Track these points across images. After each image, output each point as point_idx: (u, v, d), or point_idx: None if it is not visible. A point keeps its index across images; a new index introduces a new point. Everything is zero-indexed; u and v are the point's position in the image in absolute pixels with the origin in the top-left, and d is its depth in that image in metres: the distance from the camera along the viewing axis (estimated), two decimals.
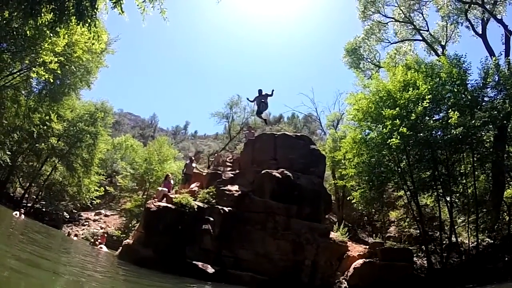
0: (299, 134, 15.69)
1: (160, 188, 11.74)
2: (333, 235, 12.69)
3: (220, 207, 10.22)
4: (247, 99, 17.75)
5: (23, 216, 16.23)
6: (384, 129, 12.99)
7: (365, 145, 14.37)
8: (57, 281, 4.55)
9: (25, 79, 17.96)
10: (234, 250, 9.90)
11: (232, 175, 11.90)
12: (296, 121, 62.54)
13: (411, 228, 16.75)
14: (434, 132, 13.38)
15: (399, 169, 13.99)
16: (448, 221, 13.57)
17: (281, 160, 12.21)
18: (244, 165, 12.80)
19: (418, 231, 14.97)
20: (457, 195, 13.66)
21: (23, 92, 19.29)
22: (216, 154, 16.36)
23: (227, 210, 10.17)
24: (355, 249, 14.53)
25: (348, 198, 16.80)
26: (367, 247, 14.39)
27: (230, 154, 17.40)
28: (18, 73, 17.18)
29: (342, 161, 16.37)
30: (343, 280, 12.45)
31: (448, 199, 13.46)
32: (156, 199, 10.80)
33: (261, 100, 14.29)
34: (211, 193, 10.57)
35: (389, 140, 12.58)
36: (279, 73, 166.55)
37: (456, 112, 12.11)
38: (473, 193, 13.15)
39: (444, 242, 13.77)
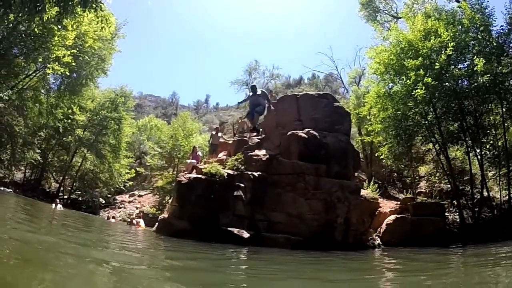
0: (321, 93, 15.39)
1: (188, 161, 11.91)
2: (363, 192, 12.59)
3: (249, 172, 10.27)
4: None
5: (61, 206, 16.97)
6: (408, 81, 12.71)
7: (389, 99, 14.12)
8: (106, 254, 4.75)
9: (42, 78, 18.30)
10: (267, 213, 10.00)
11: (258, 140, 11.89)
12: (317, 81, 61.01)
13: (441, 182, 16.45)
14: (460, 81, 13.01)
15: (426, 122, 13.70)
16: (479, 175, 13.22)
17: (305, 120, 12.05)
18: (269, 129, 12.72)
19: (449, 185, 14.71)
20: (487, 147, 13.25)
21: (42, 91, 19.72)
22: (240, 121, 16.34)
23: (257, 175, 10.22)
24: (386, 206, 14.47)
25: (376, 155, 16.55)
26: (398, 203, 14.30)
27: None
28: (34, 73, 17.52)
29: (367, 117, 16.11)
30: (376, 237, 12.49)
31: (478, 151, 13.09)
32: (186, 172, 10.98)
33: (255, 103, 11.60)
34: (239, 160, 10.63)
35: (414, 91, 12.26)
36: (296, 33, 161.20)
37: (481, 59, 11.50)
38: (504, 145, 12.66)
39: (475, 196, 13.52)
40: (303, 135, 10.95)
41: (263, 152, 11.00)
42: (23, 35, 14.72)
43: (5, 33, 14.78)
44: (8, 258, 3.13)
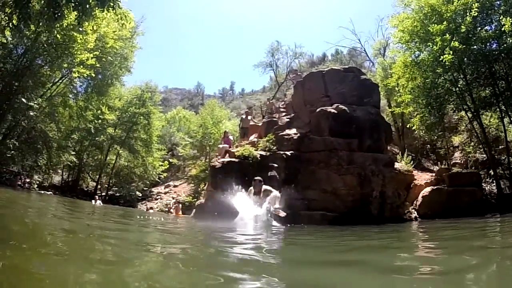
0: (346, 66, 15.17)
1: (220, 146, 12.15)
2: (397, 165, 12.39)
3: (281, 152, 10.39)
4: None
5: (100, 202, 17.78)
6: (435, 47, 12.34)
7: (417, 68, 13.77)
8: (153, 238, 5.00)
9: (69, 83, 19.05)
10: (302, 191, 10.08)
11: (288, 120, 11.96)
12: (340, 57, 59.28)
13: (476, 152, 15.89)
14: (488, 44, 12.47)
15: (457, 88, 13.30)
16: None
17: (333, 96, 11.95)
18: (298, 108, 12.73)
19: (484, 155, 14.22)
20: None
21: (70, 95, 20.52)
22: (268, 103, 16.39)
23: (289, 154, 10.31)
24: (421, 178, 14.15)
25: (408, 127, 16.16)
26: (433, 174, 13.96)
27: (281, 101, 17.38)
28: (60, 80, 18.26)
29: (396, 88, 15.71)
30: (412, 210, 12.28)
31: None
32: (219, 157, 11.22)
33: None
34: (270, 141, 10.74)
35: (441, 57, 11.88)
36: (315, 9, 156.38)
37: (508, 18, 10.89)
38: None
39: None
40: (333, 110, 10.89)
41: (293, 131, 11.05)
42: (45, 45, 15.34)
43: (28, 44, 15.43)
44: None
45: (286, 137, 10.80)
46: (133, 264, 2.79)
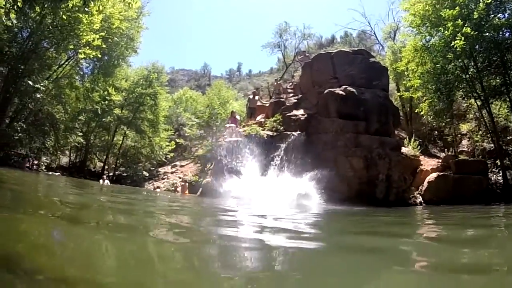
0: (356, 48, 14.99)
1: (227, 125, 12.19)
2: (404, 149, 12.38)
3: (288, 132, 10.39)
4: None
5: (108, 182, 17.99)
6: (446, 32, 12.15)
7: (427, 52, 13.58)
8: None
9: (75, 65, 19.02)
10: (308, 172, 10.11)
11: (295, 100, 11.92)
12: (350, 39, 58.28)
13: (484, 141, 15.73)
14: (501, 32, 12.25)
15: (467, 75, 13.10)
16: None
17: (341, 78, 11.86)
18: (305, 89, 12.67)
19: (492, 145, 14.07)
20: None
21: (76, 77, 20.52)
22: (275, 84, 16.29)
23: (296, 135, 10.32)
24: (427, 163, 14.12)
25: (416, 111, 16.02)
26: (440, 160, 13.92)
27: (289, 82, 17.26)
28: (67, 62, 18.21)
29: (405, 72, 15.52)
30: (418, 195, 12.30)
31: None
32: (226, 136, 11.27)
33: None
34: (277, 121, 10.75)
35: (452, 43, 11.66)
36: None
37: None
38: None
39: None
40: (341, 92, 10.82)
41: (301, 112, 11.03)
42: (50, 27, 15.26)
43: (33, 27, 15.35)
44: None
45: (293, 117, 10.80)
46: (140, 228, 2.93)
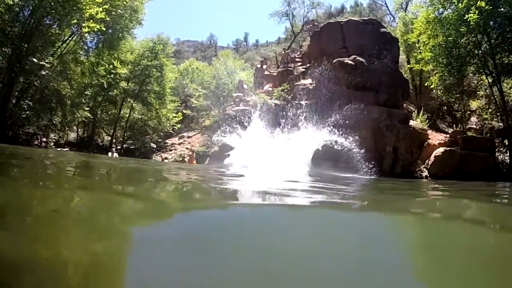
0: (366, 18, 14.63)
1: (235, 94, 12.18)
2: (412, 122, 12.30)
3: (296, 102, 10.36)
4: None
5: (116, 154, 18.26)
6: (460, 5, 11.79)
7: (440, 25, 13.24)
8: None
9: (80, 39, 18.85)
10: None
11: (304, 70, 11.79)
12: (360, 9, 56.79)
13: (493, 120, 15.50)
14: None
15: (480, 51, 12.85)
16: None
17: (351, 47, 11.67)
18: (314, 58, 12.50)
19: (501, 124, 13.84)
20: None
21: (81, 52, 20.40)
22: (283, 53, 16.08)
23: (304, 104, 10.28)
24: (435, 138, 14.04)
25: (426, 85, 15.79)
26: (448, 136, 13.84)
27: (297, 51, 16.97)
28: (70, 38, 18.06)
29: (416, 44, 15.20)
30: (424, 169, 12.32)
31: None
32: (234, 105, 11.28)
33: None
34: (285, 90, 10.71)
35: (466, 16, 11.32)
36: None
37: None
38: None
39: None
40: (350, 62, 10.67)
41: (309, 81, 10.95)
42: (52, 3, 15.03)
43: (34, 4, 15.15)
44: None
45: (301, 86, 10.72)
46: (147, 186, 3.08)
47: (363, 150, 9.26)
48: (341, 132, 9.23)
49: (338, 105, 10.09)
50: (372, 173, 9.43)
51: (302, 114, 9.69)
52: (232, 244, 1.39)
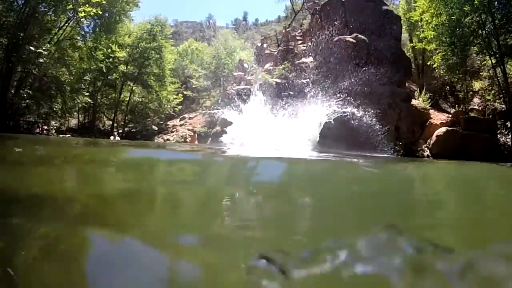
0: None
1: (235, 73, 12.11)
2: (414, 101, 12.24)
3: (298, 80, 10.29)
4: None
5: (118, 138, 18.33)
6: None
7: (443, 3, 13.06)
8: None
9: (76, 25, 18.63)
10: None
11: (304, 48, 11.66)
12: None
13: (495, 101, 15.38)
14: None
15: (483, 31, 12.74)
16: None
17: (352, 25, 11.47)
18: (315, 36, 12.33)
19: (504, 106, 13.76)
20: None
21: (78, 37, 20.27)
22: (284, 31, 15.87)
23: (305, 82, 10.21)
24: (437, 117, 14.01)
25: (428, 64, 15.63)
26: (450, 116, 13.80)
27: (298, 30, 16.73)
28: (66, 23, 17.85)
29: (419, 23, 15.00)
30: (425, 148, 12.34)
31: None
32: (235, 84, 11.23)
33: None
34: (286, 69, 10.61)
35: None
36: None
37: None
38: None
39: None
40: (351, 39, 10.52)
41: (310, 59, 10.85)
42: None
43: None
44: None
45: (302, 65, 10.62)
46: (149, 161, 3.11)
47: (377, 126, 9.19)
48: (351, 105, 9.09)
49: (339, 81, 10.00)
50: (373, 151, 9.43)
51: (305, 89, 9.64)
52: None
